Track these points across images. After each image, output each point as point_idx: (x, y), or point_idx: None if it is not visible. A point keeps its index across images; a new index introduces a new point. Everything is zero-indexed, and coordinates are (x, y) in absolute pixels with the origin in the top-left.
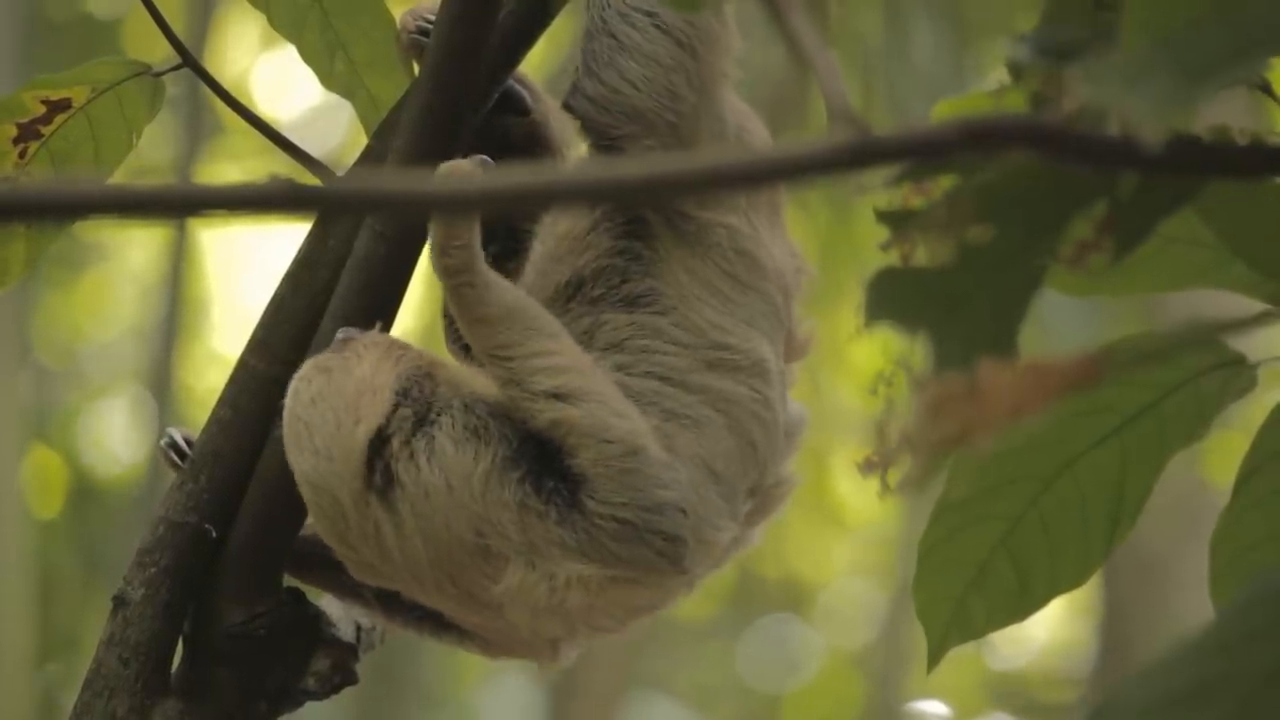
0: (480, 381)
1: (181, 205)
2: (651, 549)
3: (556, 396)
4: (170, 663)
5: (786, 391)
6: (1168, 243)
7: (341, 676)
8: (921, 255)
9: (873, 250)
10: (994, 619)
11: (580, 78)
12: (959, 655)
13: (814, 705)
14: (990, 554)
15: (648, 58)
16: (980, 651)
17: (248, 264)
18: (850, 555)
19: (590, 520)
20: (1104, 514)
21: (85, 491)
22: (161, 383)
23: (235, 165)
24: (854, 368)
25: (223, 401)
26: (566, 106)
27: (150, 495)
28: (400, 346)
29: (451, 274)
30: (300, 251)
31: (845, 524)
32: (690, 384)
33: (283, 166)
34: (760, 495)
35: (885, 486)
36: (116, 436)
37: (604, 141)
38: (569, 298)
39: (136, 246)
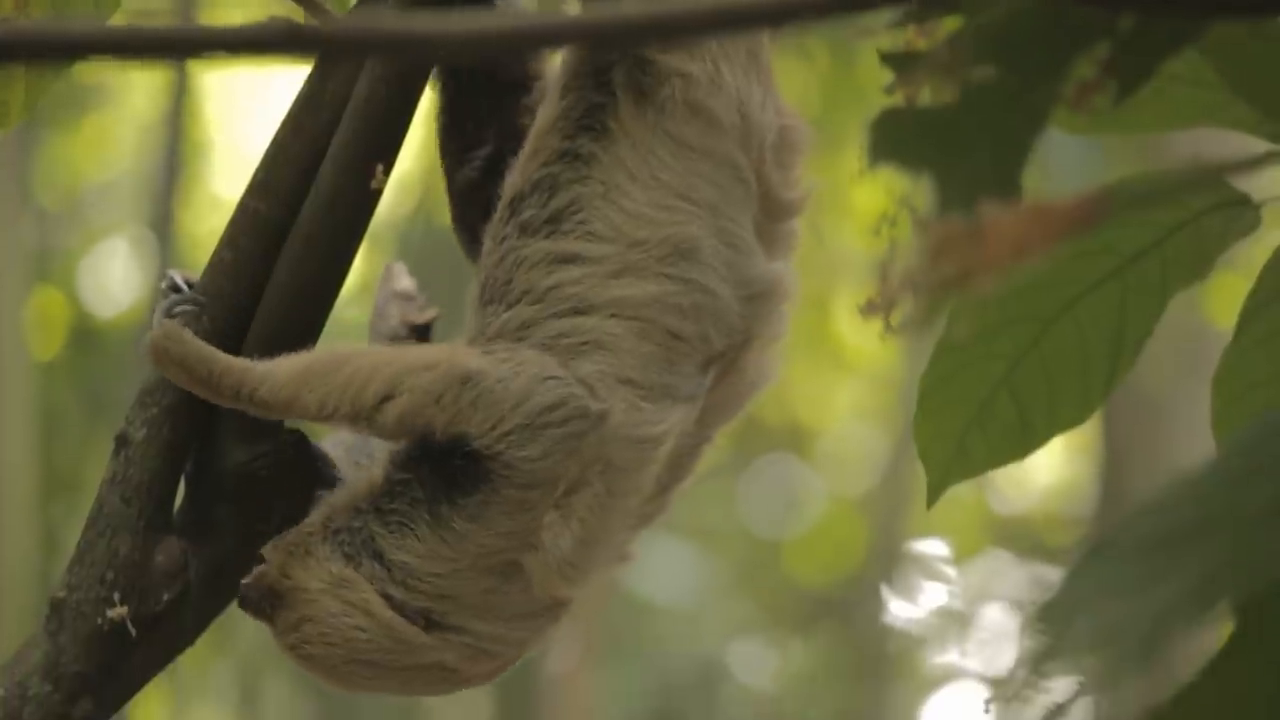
0: (352, 484)
1: (181, 47)
2: (554, 426)
3: (385, 400)
4: (172, 502)
5: (749, 256)
6: (1170, 82)
7: None
8: (925, 97)
9: (876, 93)
10: (994, 456)
11: None
12: (961, 498)
13: (816, 549)
14: (991, 392)
15: None
16: (983, 494)
17: (248, 107)
18: (852, 399)
19: (499, 461)
20: (1104, 354)
21: (87, 333)
22: (162, 225)
23: (236, 8)
24: (857, 210)
25: (224, 244)
26: None
27: None
28: (290, 543)
29: (236, 396)
30: (301, 94)
31: (848, 367)
32: (595, 304)
33: (284, 9)
34: (729, 356)
35: (887, 328)
36: (118, 278)
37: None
38: (508, 218)
39: (137, 89)
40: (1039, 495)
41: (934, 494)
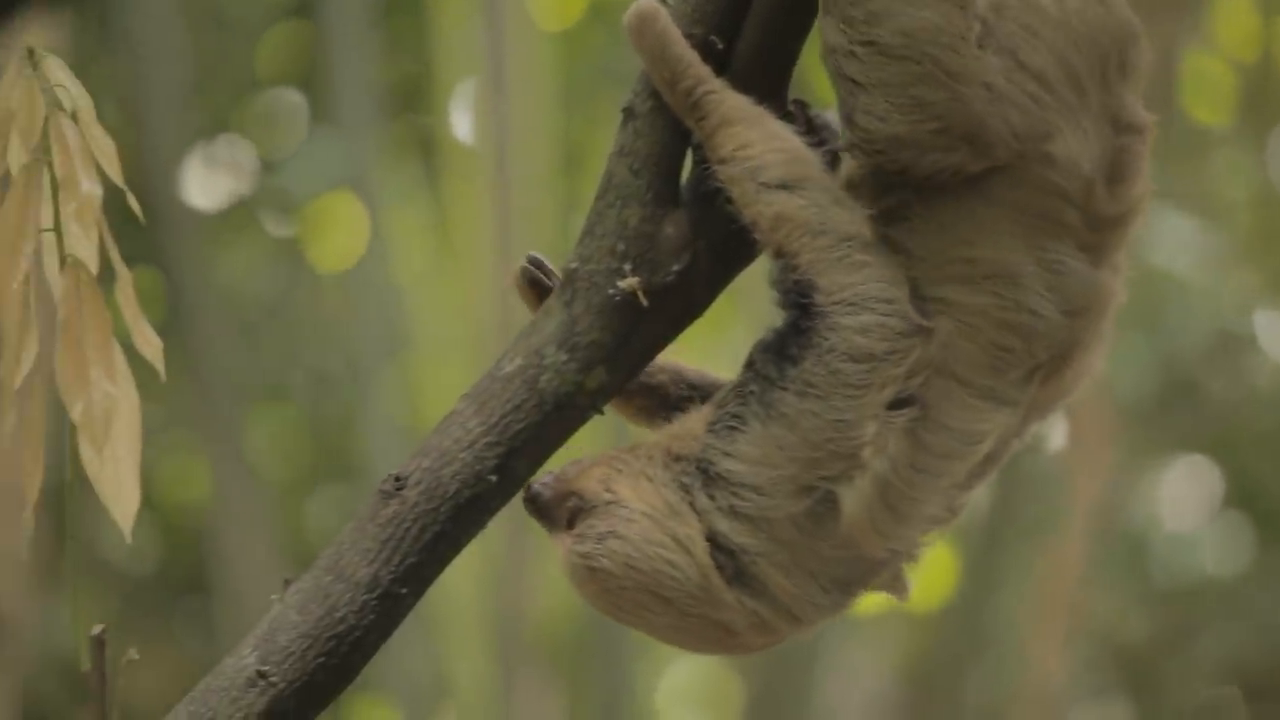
0: (699, 414)
1: None
2: (874, 312)
3: (780, 186)
4: (679, 174)
5: (1069, 275)
6: None
7: None
8: None
9: None
10: None
11: (843, 129)
12: None
13: None
14: None
15: (882, 86)
16: None
17: None
18: None
19: (827, 323)
20: None
21: (598, 4)
22: None
23: None
24: None
25: None
26: (850, 152)
27: None
28: (619, 459)
29: (687, 96)
30: None
31: None
32: (925, 295)
33: None
34: (1053, 364)
35: None
36: None
37: (896, 174)
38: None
39: None
40: None
41: None
